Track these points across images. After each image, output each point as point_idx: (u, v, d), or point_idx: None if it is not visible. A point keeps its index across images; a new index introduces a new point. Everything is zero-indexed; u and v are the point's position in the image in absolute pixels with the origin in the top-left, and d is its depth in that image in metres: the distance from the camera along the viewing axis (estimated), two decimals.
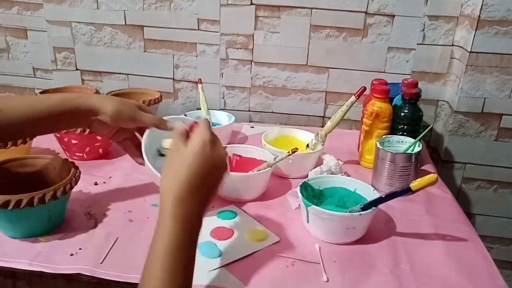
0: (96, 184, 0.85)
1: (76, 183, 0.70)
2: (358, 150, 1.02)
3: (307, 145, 0.96)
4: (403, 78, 1.01)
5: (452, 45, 1.11)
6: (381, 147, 0.87)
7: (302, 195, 0.72)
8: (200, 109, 1.05)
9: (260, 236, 0.71)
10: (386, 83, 0.96)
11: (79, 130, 0.90)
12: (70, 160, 0.76)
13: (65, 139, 0.92)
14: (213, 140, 0.56)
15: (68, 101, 0.65)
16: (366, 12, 1.11)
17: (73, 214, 0.75)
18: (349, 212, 0.71)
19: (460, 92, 1.07)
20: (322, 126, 1.05)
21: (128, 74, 1.28)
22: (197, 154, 0.53)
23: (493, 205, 1.17)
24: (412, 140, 0.89)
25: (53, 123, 0.66)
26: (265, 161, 0.84)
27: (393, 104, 0.96)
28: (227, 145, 0.91)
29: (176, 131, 0.56)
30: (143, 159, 0.65)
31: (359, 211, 0.69)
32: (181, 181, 0.51)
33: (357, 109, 1.10)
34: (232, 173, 0.84)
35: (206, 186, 0.53)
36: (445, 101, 1.16)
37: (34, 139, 0.90)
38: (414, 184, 0.67)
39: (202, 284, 0.60)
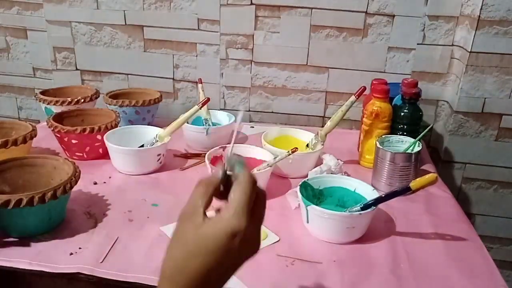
0: (96, 184, 0.85)
1: (76, 183, 0.70)
2: (358, 150, 1.02)
3: (307, 145, 0.96)
4: (403, 78, 1.00)
5: (452, 45, 1.11)
6: (381, 147, 0.87)
7: (302, 195, 0.72)
8: None
9: None
10: (386, 83, 0.95)
11: (79, 129, 0.90)
12: (70, 160, 0.76)
13: (65, 139, 0.92)
14: (250, 227, 0.39)
15: None
16: (366, 12, 1.11)
17: (73, 214, 0.74)
18: (349, 211, 0.71)
19: (460, 92, 1.07)
20: (322, 126, 1.05)
21: (128, 74, 1.28)
22: (220, 247, 0.37)
23: (493, 205, 1.17)
24: (412, 140, 0.89)
25: None
26: (265, 161, 0.84)
27: (393, 104, 0.96)
28: (227, 145, 0.91)
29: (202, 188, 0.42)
30: None
31: (359, 211, 0.69)
32: (189, 277, 0.38)
33: (357, 109, 1.10)
34: None
35: (220, 280, 0.40)
36: (445, 101, 1.16)
37: (34, 139, 0.90)
38: (414, 184, 0.67)
39: None
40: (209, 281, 0.38)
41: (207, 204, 0.41)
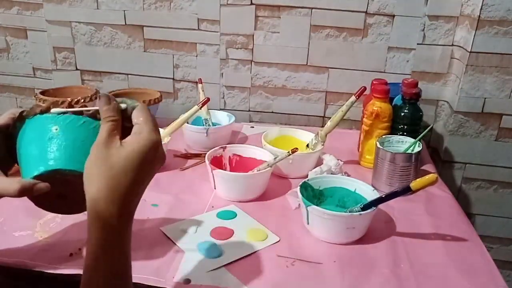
0: None
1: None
2: (358, 150, 1.02)
3: (307, 145, 0.96)
4: (403, 78, 1.01)
5: (452, 45, 1.11)
6: (381, 147, 0.87)
7: (302, 195, 0.72)
8: None
9: (260, 236, 0.71)
10: (386, 83, 0.96)
11: None
12: None
13: None
14: (158, 139, 0.45)
15: None
16: (366, 12, 1.11)
17: (73, 214, 0.74)
18: (349, 212, 0.71)
19: (460, 92, 1.07)
20: (322, 126, 1.05)
21: (128, 74, 1.28)
22: (146, 160, 0.43)
23: (493, 205, 1.17)
24: (412, 140, 0.89)
25: None
26: (265, 161, 0.84)
27: (393, 104, 0.96)
28: (227, 145, 0.91)
29: (106, 125, 0.45)
30: None
31: (359, 211, 0.69)
32: (123, 192, 0.42)
33: (357, 109, 1.10)
34: (232, 173, 0.84)
35: (143, 190, 0.46)
36: (445, 101, 1.16)
37: None
38: (414, 184, 0.67)
39: (202, 284, 0.60)
40: (138, 193, 0.45)
41: (120, 132, 0.45)
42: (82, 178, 0.46)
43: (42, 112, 0.53)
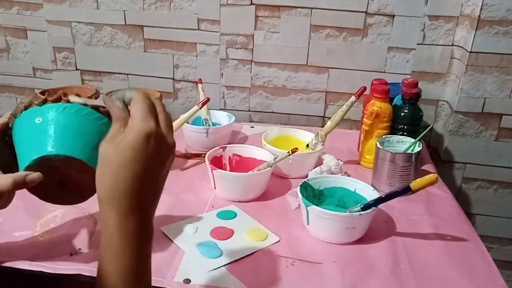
0: None
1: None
2: (358, 150, 1.02)
3: (307, 145, 0.96)
4: (403, 78, 1.01)
5: (452, 45, 1.11)
6: (381, 147, 0.87)
7: (302, 195, 0.72)
8: None
9: (260, 236, 0.71)
10: (386, 83, 0.96)
11: None
12: None
13: None
14: (158, 128, 0.42)
15: None
16: (366, 12, 1.11)
17: (73, 214, 0.74)
18: (349, 212, 0.71)
19: (460, 92, 1.07)
20: (322, 126, 1.05)
21: (128, 74, 1.28)
22: (138, 153, 0.41)
23: (493, 205, 1.17)
24: (412, 140, 0.89)
25: None
26: (265, 161, 0.84)
27: (393, 104, 0.96)
28: (227, 145, 0.91)
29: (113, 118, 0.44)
30: None
31: (359, 211, 0.69)
32: (123, 188, 0.41)
33: (357, 109, 1.10)
34: (232, 173, 0.84)
35: (152, 186, 0.44)
36: (445, 101, 1.16)
37: None
38: (414, 184, 0.67)
39: (202, 284, 0.60)
40: (142, 191, 0.42)
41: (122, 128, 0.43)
42: (78, 165, 0.47)
43: (26, 108, 0.55)
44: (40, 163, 0.52)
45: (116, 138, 0.42)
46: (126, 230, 0.42)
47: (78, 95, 0.57)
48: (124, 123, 0.42)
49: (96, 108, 0.55)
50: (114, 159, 0.41)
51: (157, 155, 0.42)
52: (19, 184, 0.51)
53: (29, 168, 0.52)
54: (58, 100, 0.55)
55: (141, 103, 0.43)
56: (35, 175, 0.51)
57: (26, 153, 0.54)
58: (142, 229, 0.43)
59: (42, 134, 0.53)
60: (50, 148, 0.52)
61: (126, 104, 0.44)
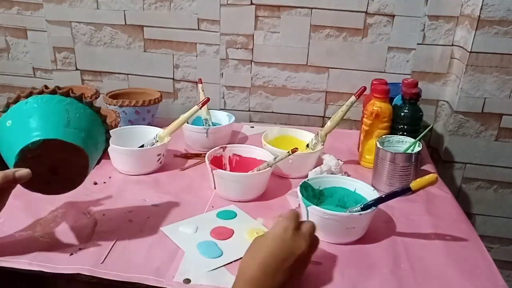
0: (96, 184, 0.85)
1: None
2: (358, 150, 1.02)
3: (307, 145, 0.96)
4: (403, 78, 1.01)
5: (452, 45, 1.11)
6: (381, 147, 0.87)
7: (302, 195, 0.72)
8: None
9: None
10: (386, 83, 0.96)
11: None
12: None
13: None
14: (297, 228, 0.56)
15: None
16: (366, 12, 1.11)
17: (72, 214, 0.75)
18: (349, 212, 0.71)
19: (460, 92, 1.06)
20: (322, 126, 1.05)
21: (128, 74, 1.28)
22: (276, 236, 0.53)
23: (493, 205, 1.17)
24: (412, 140, 0.89)
25: None
26: (265, 161, 0.84)
27: (393, 104, 0.96)
28: (227, 145, 0.91)
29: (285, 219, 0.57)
30: None
31: (359, 211, 0.69)
32: (257, 261, 0.52)
33: (357, 109, 1.10)
34: (232, 173, 0.84)
35: (282, 271, 0.52)
36: (445, 101, 1.16)
37: None
38: (414, 184, 0.67)
39: (202, 284, 0.60)
40: (272, 266, 0.52)
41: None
42: (58, 145, 0.54)
43: (3, 111, 0.61)
44: (25, 159, 0.55)
45: (287, 233, 0.56)
46: None
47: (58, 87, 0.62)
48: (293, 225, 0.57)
49: (66, 94, 0.61)
50: (258, 242, 0.56)
51: (289, 245, 0.54)
52: (10, 181, 0.54)
53: (16, 165, 0.56)
54: (30, 94, 0.60)
55: (313, 226, 0.59)
56: (24, 171, 0.54)
57: (9, 155, 0.57)
58: None
59: (16, 132, 0.57)
60: (25, 140, 0.56)
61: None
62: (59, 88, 0.61)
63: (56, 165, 0.59)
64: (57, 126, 0.58)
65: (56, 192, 0.62)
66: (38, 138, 0.55)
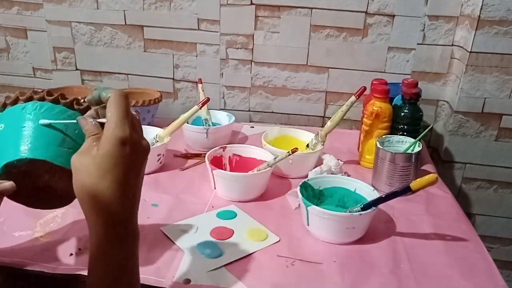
0: None
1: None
2: (358, 150, 1.02)
3: (307, 145, 0.96)
4: (403, 78, 1.01)
5: (452, 45, 1.11)
6: (381, 147, 0.87)
7: (302, 195, 0.72)
8: None
9: (260, 236, 0.71)
10: (386, 83, 0.96)
11: None
12: None
13: None
14: (122, 134, 0.42)
15: None
16: (366, 12, 1.11)
17: (73, 214, 0.74)
18: (349, 212, 0.71)
19: (460, 92, 1.06)
20: (322, 126, 1.05)
21: (128, 74, 1.28)
22: (117, 159, 0.41)
23: (493, 205, 1.17)
24: (412, 140, 0.89)
25: None
26: (265, 161, 0.84)
27: (393, 104, 0.96)
28: (227, 145, 0.91)
29: (87, 140, 0.45)
30: None
31: (359, 211, 0.69)
32: (106, 196, 0.42)
33: (357, 109, 1.10)
34: (232, 173, 0.84)
35: (134, 191, 0.46)
36: (445, 101, 1.16)
37: None
38: (414, 184, 0.67)
39: (202, 284, 0.60)
40: (125, 196, 0.43)
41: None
42: (46, 166, 0.48)
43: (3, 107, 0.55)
44: (9, 172, 0.50)
45: (91, 151, 0.42)
46: (113, 236, 0.44)
47: (62, 95, 0.55)
48: (98, 137, 0.43)
49: (70, 104, 0.54)
50: (94, 169, 0.41)
51: (134, 160, 0.43)
52: None
53: (0, 177, 0.50)
54: (30, 99, 0.54)
55: (117, 106, 0.42)
56: (7, 184, 0.49)
57: None
58: (129, 233, 0.46)
59: (5, 140, 0.51)
60: (11, 155, 0.50)
61: (101, 101, 0.46)
62: (63, 96, 0.54)
63: (44, 183, 0.53)
64: (49, 144, 0.51)
65: (46, 208, 0.58)
66: (24, 156, 0.49)
